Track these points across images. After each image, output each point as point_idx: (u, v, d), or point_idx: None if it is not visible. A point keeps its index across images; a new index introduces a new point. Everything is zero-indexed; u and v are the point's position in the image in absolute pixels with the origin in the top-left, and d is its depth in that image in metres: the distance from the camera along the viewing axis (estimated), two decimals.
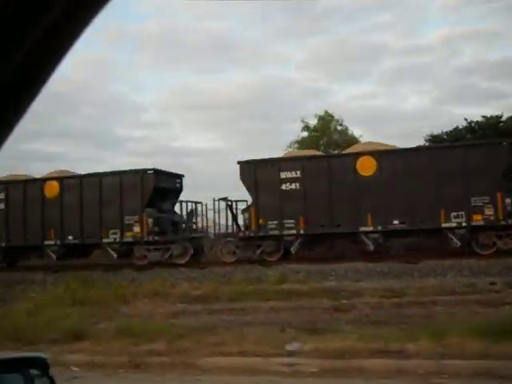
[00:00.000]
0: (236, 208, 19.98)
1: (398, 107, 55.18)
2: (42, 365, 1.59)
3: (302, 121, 33.99)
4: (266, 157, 19.22)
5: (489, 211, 16.10)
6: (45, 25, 0.73)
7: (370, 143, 20.20)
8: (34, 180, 21.22)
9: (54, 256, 20.37)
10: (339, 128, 34.20)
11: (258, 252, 18.39)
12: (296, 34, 63.92)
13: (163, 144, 62.69)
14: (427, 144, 26.22)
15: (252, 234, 18.40)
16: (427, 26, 68.70)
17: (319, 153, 22.87)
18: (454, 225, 16.40)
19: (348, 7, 57.41)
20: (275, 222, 18.13)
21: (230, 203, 19.49)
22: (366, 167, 17.42)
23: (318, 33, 63.90)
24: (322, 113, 33.82)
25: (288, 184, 18.08)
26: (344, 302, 11.04)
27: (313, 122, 34.07)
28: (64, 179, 20.52)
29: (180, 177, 21.52)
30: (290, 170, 18.11)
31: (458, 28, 62.57)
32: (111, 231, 19.68)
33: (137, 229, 19.42)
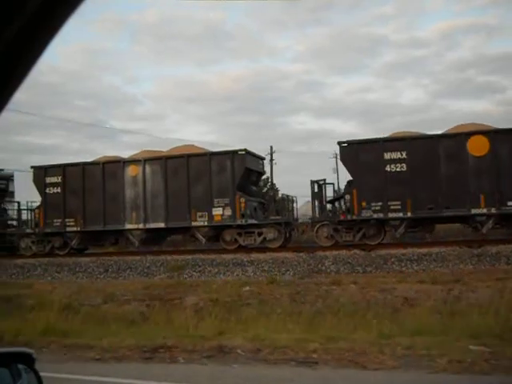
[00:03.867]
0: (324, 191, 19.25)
1: (395, 101, 54.56)
2: (29, 359, 1.59)
3: None
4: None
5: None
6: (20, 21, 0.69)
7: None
8: (113, 161, 20.13)
9: (136, 241, 19.44)
10: None
11: (359, 236, 17.80)
12: (293, 25, 63.03)
13: (159, 136, 61.06)
14: None
15: (354, 217, 17.74)
16: (427, 18, 68.12)
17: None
18: None
19: None
20: (379, 204, 17.51)
21: (325, 186, 18.77)
22: (478, 148, 16.87)
23: (315, 24, 62.87)
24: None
25: (393, 165, 17.45)
26: None
27: None
28: (146, 161, 19.53)
29: (263, 159, 20.74)
30: (395, 151, 17.49)
31: (458, 20, 62.11)
32: (198, 214, 18.82)
33: (227, 212, 18.60)
